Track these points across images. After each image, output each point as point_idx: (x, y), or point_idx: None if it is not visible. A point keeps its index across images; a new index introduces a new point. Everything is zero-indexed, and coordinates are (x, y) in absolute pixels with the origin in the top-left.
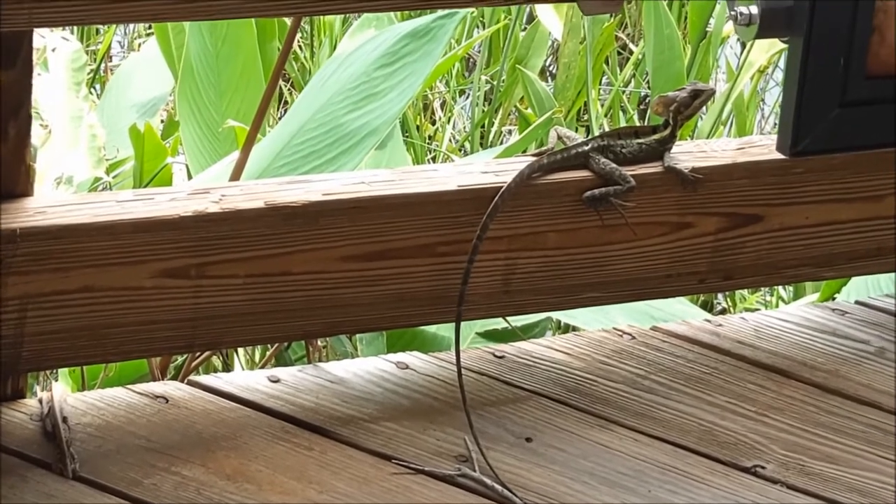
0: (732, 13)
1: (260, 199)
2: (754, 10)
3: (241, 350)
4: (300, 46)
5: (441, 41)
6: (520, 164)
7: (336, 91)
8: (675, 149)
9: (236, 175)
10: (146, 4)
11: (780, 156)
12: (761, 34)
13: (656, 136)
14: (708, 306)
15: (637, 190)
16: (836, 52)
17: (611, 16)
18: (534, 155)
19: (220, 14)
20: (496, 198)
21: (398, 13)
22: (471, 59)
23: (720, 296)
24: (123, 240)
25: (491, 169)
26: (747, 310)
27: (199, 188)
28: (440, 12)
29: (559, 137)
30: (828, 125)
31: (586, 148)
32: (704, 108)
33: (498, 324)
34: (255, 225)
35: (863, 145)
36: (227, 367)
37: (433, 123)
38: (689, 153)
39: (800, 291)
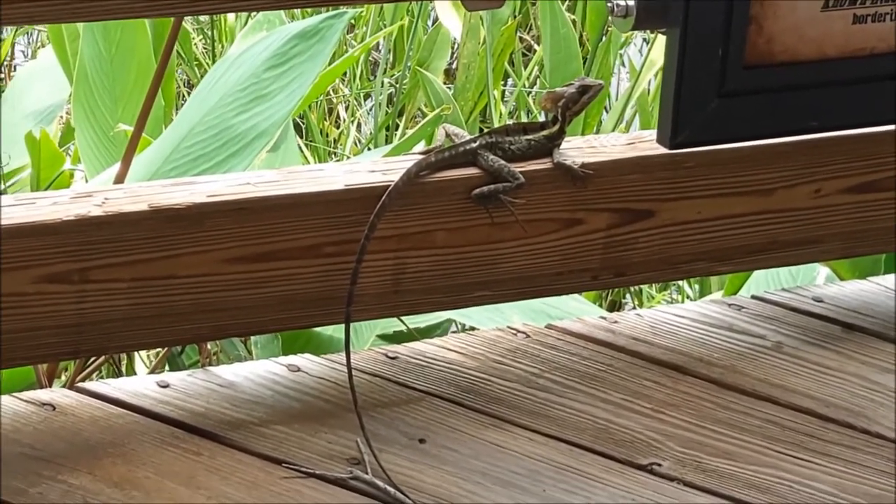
0: (609, 5)
1: (144, 202)
2: (630, 1)
3: (140, 355)
4: (204, 53)
5: (330, 41)
6: (407, 162)
7: (225, 93)
8: (564, 144)
9: (119, 182)
10: (21, 6)
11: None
12: (638, 26)
13: (545, 133)
14: (616, 306)
15: (527, 187)
16: (713, 42)
17: (513, 16)
18: (422, 153)
19: (101, 15)
20: (384, 196)
21: (292, 13)
22: (376, 62)
23: (628, 295)
24: (4, 245)
25: (378, 168)
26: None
27: (82, 191)
28: (328, 12)
29: (447, 135)
30: (707, 116)
31: (474, 145)
32: (607, 105)
33: (400, 325)
34: (139, 228)
35: (743, 136)
36: (128, 373)
37: (337, 127)
38: (578, 149)
39: (705, 289)
